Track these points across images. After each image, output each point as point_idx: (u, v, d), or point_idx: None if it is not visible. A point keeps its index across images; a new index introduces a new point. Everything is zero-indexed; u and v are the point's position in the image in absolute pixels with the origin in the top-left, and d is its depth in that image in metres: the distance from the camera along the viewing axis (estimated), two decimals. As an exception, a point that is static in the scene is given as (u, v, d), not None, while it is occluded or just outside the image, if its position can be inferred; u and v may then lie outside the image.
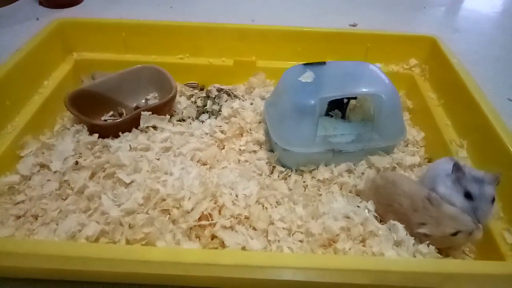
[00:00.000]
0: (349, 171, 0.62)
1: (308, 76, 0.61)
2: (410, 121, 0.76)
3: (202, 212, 0.50)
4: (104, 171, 0.58)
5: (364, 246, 0.49)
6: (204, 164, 0.62)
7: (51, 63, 0.76)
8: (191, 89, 0.81)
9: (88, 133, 0.65)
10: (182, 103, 0.76)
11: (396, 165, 0.62)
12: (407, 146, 0.69)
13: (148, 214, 0.49)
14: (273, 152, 0.64)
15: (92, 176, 0.58)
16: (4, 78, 0.63)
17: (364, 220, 0.50)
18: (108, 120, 0.71)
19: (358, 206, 0.55)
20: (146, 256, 0.40)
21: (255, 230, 0.52)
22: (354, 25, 1.17)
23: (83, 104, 0.67)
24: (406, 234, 0.49)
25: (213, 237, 0.50)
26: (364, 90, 0.61)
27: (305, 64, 0.64)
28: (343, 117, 0.69)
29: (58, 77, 0.75)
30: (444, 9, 1.38)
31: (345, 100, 0.69)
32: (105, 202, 0.51)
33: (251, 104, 0.75)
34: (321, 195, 0.58)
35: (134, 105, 0.75)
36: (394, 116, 0.62)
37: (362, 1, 1.36)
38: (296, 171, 0.62)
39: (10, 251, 0.40)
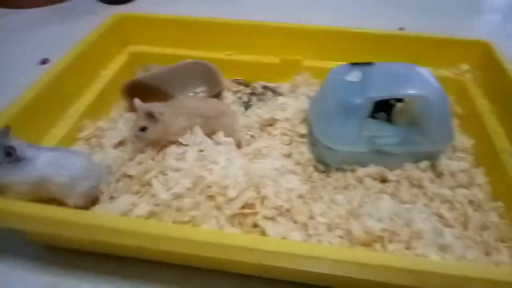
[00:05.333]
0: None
1: (355, 76, 0.61)
2: (459, 128, 0.73)
3: (245, 201, 0.52)
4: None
5: (407, 248, 0.48)
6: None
7: (109, 54, 0.81)
8: (237, 85, 0.83)
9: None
10: (228, 98, 0.78)
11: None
12: (455, 152, 0.67)
13: (195, 199, 0.52)
14: (316, 149, 0.65)
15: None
16: (67, 66, 0.68)
17: (408, 221, 0.50)
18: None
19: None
20: (192, 235, 0.42)
21: (296, 223, 0.52)
22: (402, 29, 1.14)
23: (137, 93, 0.70)
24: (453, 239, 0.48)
25: (255, 225, 0.51)
26: (412, 92, 0.60)
27: (352, 64, 0.64)
28: (389, 120, 0.69)
29: (114, 67, 0.79)
30: (501, 17, 1.32)
31: (392, 102, 0.68)
32: (155, 185, 0.53)
33: (296, 102, 0.76)
34: (364, 194, 0.57)
35: (183, 97, 0.78)
36: (442, 120, 0.61)
37: (413, 6, 1.33)
38: (338, 169, 0.62)
39: (63, 220, 0.44)
